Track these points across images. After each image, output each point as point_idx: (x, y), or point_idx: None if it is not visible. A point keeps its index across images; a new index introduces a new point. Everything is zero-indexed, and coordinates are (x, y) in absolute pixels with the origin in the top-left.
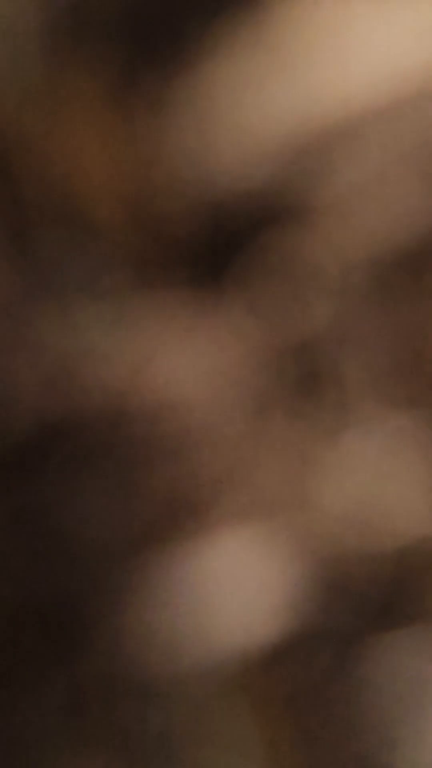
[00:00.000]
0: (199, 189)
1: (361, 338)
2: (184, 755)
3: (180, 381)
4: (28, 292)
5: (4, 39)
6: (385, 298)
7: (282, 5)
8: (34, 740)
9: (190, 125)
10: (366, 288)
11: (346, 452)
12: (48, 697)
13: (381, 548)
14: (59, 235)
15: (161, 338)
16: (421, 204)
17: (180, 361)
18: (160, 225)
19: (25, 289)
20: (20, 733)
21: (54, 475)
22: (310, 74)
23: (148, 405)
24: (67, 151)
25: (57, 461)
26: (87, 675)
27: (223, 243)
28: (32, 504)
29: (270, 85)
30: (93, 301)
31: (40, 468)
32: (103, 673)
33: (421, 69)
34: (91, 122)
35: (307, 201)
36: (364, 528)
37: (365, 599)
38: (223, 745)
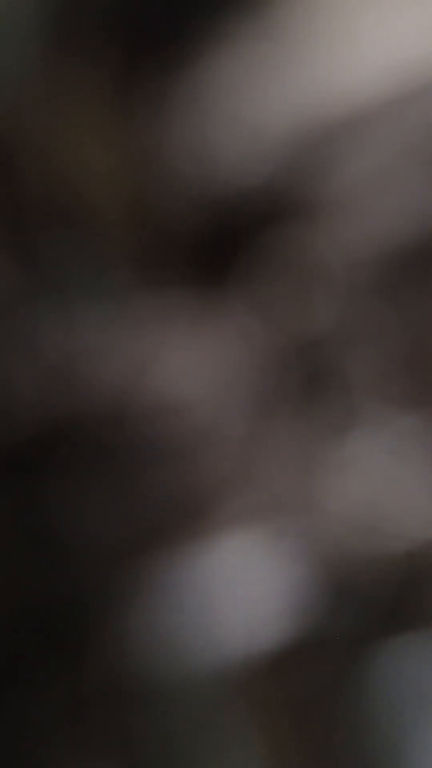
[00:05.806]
0: (201, 186)
1: (366, 337)
2: (186, 758)
3: (182, 381)
4: (29, 292)
5: (4, 37)
6: (391, 297)
7: None
8: (37, 742)
9: (191, 121)
10: (372, 286)
11: (351, 453)
12: (50, 699)
13: (387, 551)
14: (60, 235)
15: (163, 337)
16: (428, 199)
17: (182, 360)
18: (162, 223)
19: (26, 288)
20: (22, 735)
21: (54, 475)
22: (313, 68)
23: (150, 405)
24: (67, 150)
25: (57, 461)
26: (89, 677)
27: (225, 240)
28: (32, 504)
29: (273, 79)
30: (94, 301)
31: (40, 468)
32: (105, 676)
33: (426, 62)
34: (91, 120)
35: (311, 197)
36: (370, 530)
37: (371, 603)
38: (226, 749)
